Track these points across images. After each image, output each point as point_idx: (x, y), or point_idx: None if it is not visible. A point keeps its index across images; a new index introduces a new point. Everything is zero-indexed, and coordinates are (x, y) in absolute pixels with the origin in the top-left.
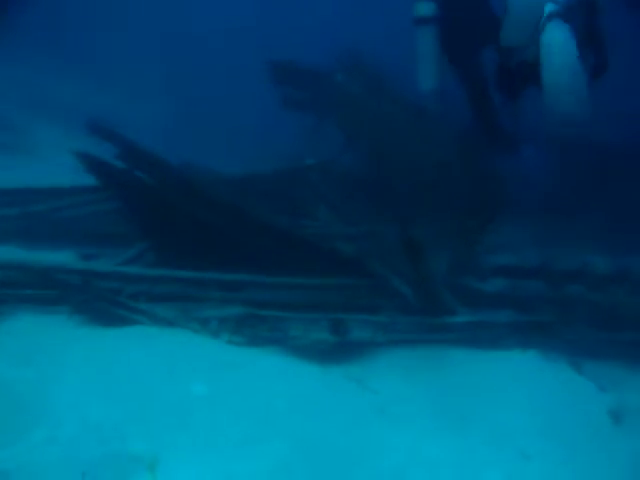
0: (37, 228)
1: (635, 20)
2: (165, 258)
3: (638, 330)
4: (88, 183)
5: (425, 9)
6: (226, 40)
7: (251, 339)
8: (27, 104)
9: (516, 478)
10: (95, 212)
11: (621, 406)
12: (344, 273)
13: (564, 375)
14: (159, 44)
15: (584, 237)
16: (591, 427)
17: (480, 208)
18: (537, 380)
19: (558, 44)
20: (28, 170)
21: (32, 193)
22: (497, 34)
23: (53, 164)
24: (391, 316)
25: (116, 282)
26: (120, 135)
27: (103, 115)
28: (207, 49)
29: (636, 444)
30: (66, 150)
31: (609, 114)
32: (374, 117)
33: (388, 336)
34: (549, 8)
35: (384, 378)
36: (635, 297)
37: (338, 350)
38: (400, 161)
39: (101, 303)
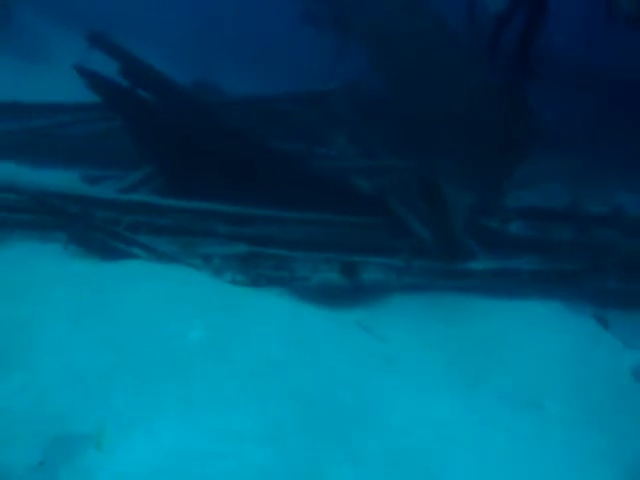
0: (40, 144)
1: None
2: (172, 183)
3: None
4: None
5: None
6: None
7: (255, 279)
8: (47, 10)
9: (532, 442)
10: (103, 130)
11: None
12: (359, 210)
13: (588, 329)
14: None
15: (618, 174)
16: (612, 387)
17: (511, 143)
18: (558, 334)
19: None
20: (42, 79)
21: (38, 108)
22: None
23: (68, 75)
24: (406, 259)
25: (115, 211)
26: (122, 49)
27: (118, 23)
28: None
29: None
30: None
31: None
32: (404, 36)
33: (402, 280)
34: None
35: (395, 325)
36: None
37: (348, 293)
38: (429, 87)
39: (98, 233)
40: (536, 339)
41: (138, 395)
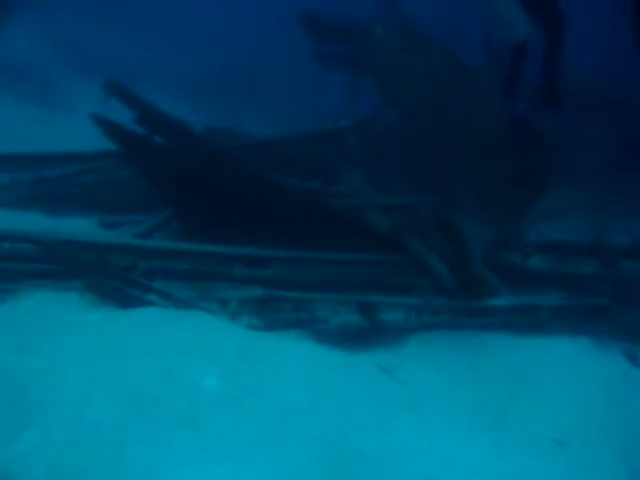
0: (61, 193)
1: None
2: (189, 228)
3: None
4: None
5: None
6: None
7: (272, 322)
8: (65, 57)
9: None
10: (120, 177)
11: None
12: (377, 249)
13: (618, 367)
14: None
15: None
16: None
17: (529, 178)
18: (587, 372)
19: None
20: (62, 128)
21: (57, 157)
22: None
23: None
24: (426, 298)
25: (131, 257)
26: (138, 97)
27: (136, 67)
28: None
29: None
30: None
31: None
32: (415, 74)
33: (422, 320)
34: None
35: (416, 367)
36: None
37: (368, 334)
38: (443, 124)
39: (114, 281)
40: (564, 378)
41: (153, 446)
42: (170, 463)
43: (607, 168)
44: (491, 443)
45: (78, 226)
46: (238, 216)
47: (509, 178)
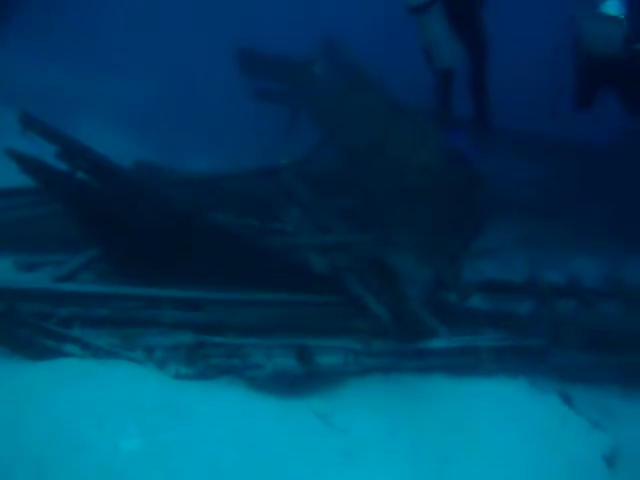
0: None
1: None
2: (117, 268)
3: (631, 351)
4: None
5: None
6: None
7: (203, 370)
8: None
9: None
10: (41, 214)
11: (615, 447)
12: (314, 289)
13: (554, 410)
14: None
15: (574, 242)
16: (584, 476)
17: (465, 220)
18: (525, 417)
19: None
20: None
21: None
22: None
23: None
24: (365, 341)
25: (48, 303)
26: (58, 132)
27: (73, 101)
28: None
29: None
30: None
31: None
32: (353, 113)
33: (361, 363)
34: None
35: (354, 413)
36: (629, 314)
37: (304, 380)
38: (380, 163)
39: (24, 330)
40: (502, 423)
41: None
42: None
43: (543, 205)
44: None
45: None
46: (168, 256)
47: (445, 217)
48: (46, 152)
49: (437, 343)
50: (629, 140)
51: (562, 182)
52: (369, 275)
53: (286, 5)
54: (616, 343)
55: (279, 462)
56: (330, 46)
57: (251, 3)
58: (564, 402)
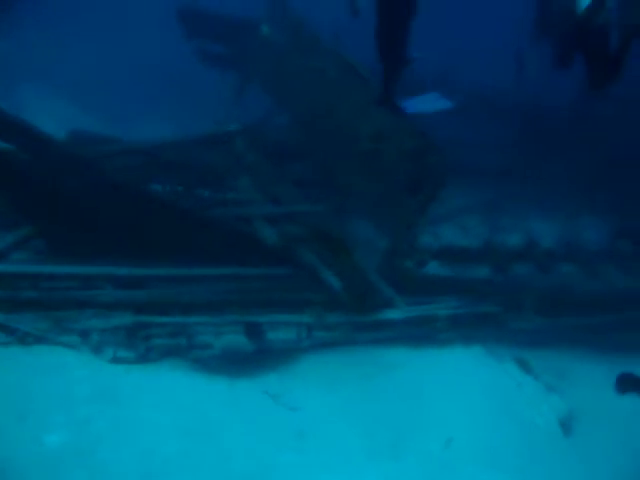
0: None
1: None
2: (54, 246)
3: (588, 313)
4: None
5: None
6: None
7: (144, 353)
8: None
9: None
10: None
11: (571, 410)
12: (265, 262)
13: (510, 376)
14: None
15: (533, 205)
16: (540, 443)
17: (419, 186)
18: (482, 386)
19: None
20: None
21: None
22: None
23: None
24: (318, 314)
25: None
26: None
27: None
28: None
29: (589, 457)
30: None
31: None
32: (304, 76)
33: (314, 338)
34: None
35: (308, 391)
36: (586, 276)
37: (255, 358)
38: (332, 129)
39: None
40: (458, 391)
41: None
42: None
43: (499, 170)
44: (384, 477)
45: None
46: (108, 231)
47: (399, 183)
48: None
49: (393, 314)
50: (585, 100)
51: (521, 145)
52: (317, 246)
53: None
54: (573, 306)
55: (227, 450)
56: (279, 6)
57: None
58: (520, 368)
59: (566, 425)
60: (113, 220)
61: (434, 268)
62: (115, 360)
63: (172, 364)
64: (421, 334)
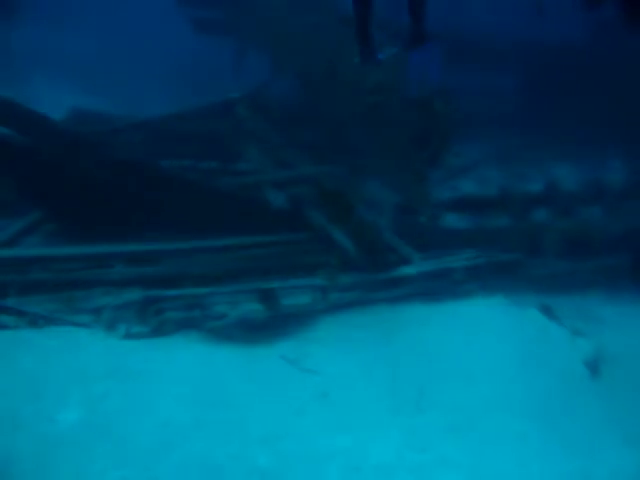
0: None
1: None
2: (65, 227)
3: (610, 254)
4: None
5: None
6: None
7: (157, 327)
8: None
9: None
10: None
11: (598, 352)
12: (277, 228)
13: (535, 324)
14: None
15: (549, 150)
16: (567, 387)
17: (428, 133)
18: (505, 336)
19: None
20: None
21: None
22: None
23: None
24: (332, 276)
25: None
26: None
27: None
28: None
29: (616, 400)
30: None
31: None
32: (302, 34)
33: (330, 300)
34: None
35: (327, 354)
36: (608, 217)
37: (272, 324)
38: (335, 87)
39: None
40: (480, 342)
41: None
42: None
43: (514, 117)
44: (408, 433)
45: None
46: (117, 209)
47: (407, 139)
48: None
49: (409, 269)
50: (603, 36)
51: (536, 91)
52: (326, 207)
53: None
54: (595, 248)
55: (245, 416)
56: None
57: None
58: (543, 314)
59: (594, 368)
60: (121, 197)
61: (452, 221)
62: (128, 336)
63: (186, 336)
64: (440, 288)
